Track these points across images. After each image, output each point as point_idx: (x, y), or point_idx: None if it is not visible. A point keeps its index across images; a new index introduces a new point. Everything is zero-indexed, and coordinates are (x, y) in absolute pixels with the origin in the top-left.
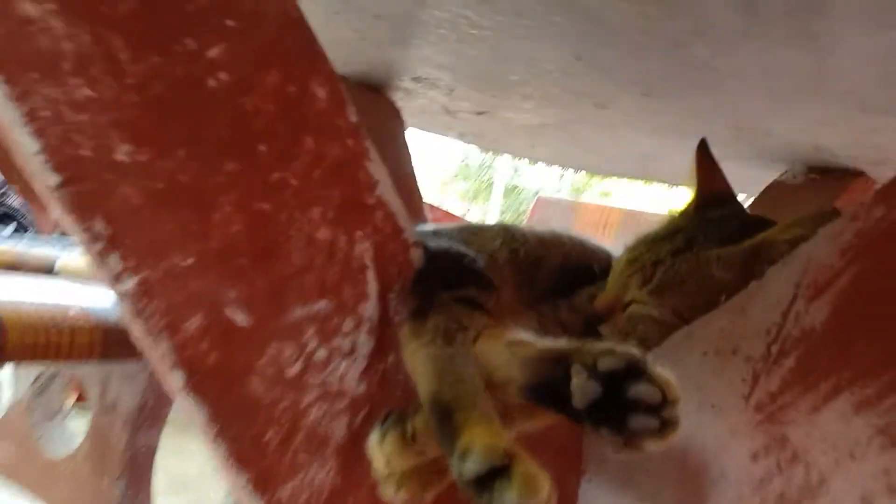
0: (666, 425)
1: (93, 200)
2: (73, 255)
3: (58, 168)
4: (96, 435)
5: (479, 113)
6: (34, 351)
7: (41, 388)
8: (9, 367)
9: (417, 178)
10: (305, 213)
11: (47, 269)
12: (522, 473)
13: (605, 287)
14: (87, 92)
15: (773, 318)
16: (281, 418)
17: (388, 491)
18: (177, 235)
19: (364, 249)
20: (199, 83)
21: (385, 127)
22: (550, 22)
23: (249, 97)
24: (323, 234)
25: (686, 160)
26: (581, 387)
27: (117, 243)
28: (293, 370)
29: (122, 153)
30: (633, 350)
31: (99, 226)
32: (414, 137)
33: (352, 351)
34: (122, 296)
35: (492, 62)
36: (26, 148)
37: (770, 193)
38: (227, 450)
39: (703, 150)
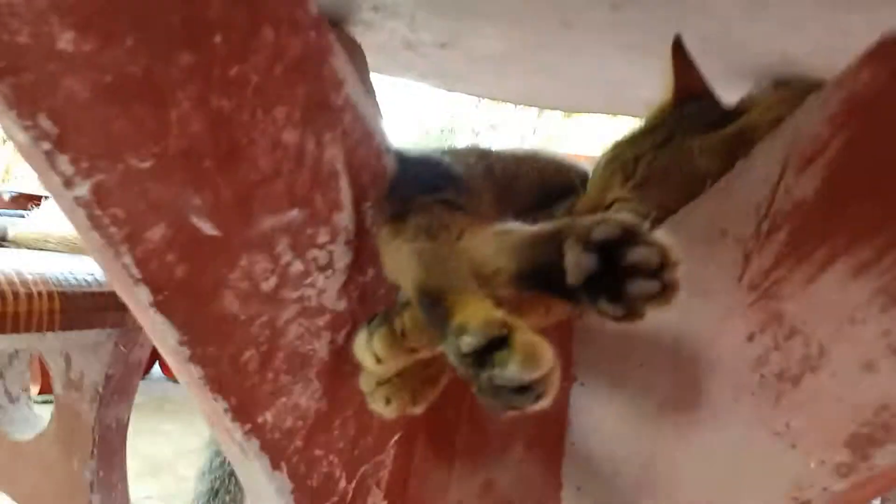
0: (667, 288)
1: (35, 94)
2: (26, 225)
3: None
4: (63, 413)
5: (442, 45)
6: None
7: (2, 370)
8: None
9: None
10: (269, 113)
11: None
12: (522, 343)
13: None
14: None
15: (761, 194)
16: (259, 336)
17: (377, 403)
18: (132, 134)
19: (334, 154)
20: None
21: None
22: None
23: None
24: (289, 136)
25: (655, 88)
26: (576, 261)
27: (66, 143)
28: (268, 284)
29: (64, 41)
30: (628, 216)
31: (45, 123)
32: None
33: (329, 264)
34: (76, 204)
35: None
36: None
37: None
38: (203, 374)
39: (678, 48)
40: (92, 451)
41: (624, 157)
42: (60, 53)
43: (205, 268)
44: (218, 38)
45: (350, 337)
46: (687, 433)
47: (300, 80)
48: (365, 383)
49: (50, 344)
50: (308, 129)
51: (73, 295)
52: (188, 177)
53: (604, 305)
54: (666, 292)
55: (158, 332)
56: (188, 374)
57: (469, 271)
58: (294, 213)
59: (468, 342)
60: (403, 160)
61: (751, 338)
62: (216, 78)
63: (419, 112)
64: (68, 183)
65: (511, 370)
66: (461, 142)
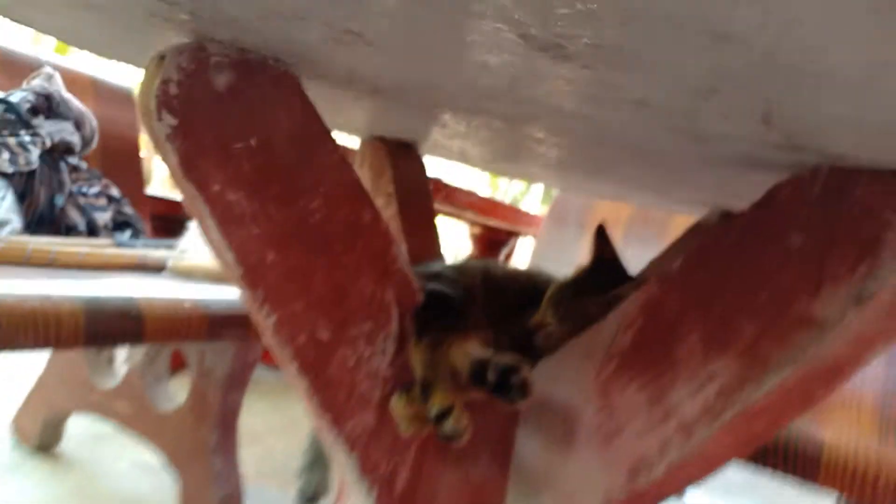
0: (525, 394)
1: (256, 281)
2: (177, 257)
3: (240, 263)
4: (196, 394)
5: (487, 162)
6: (163, 335)
7: (151, 358)
8: None
9: (436, 221)
10: (360, 279)
11: (160, 268)
12: (455, 416)
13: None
14: (255, 230)
15: (609, 337)
16: (345, 386)
17: (402, 427)
18: (294, 293)
19: (390, 295)
20: (306, 221)
21: (414, 177)
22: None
23: (331, 224)
24: (369, 288)
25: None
26: (491, 374)
27: (267, 299)
28: (351, 362)
29: (269, 258)
30: (517, 359)
31: (259, 294)
32: None
33: (384, 351)
34: (266, 326)
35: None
36: (225, 258)
37: (690, 235)
38: (318, 403)
39: (601, 232)
40: (216, 424)
41: (557, 296)
42: (267, 262)
43: (322, 355)
44: (338, 247)
45: (392, 388)
46: (567, 453)
47: (376, 260)
48: (394, 416)
49: (191, 344)
50: (378, 284)
51: (215, 315)
52: (319, 312)
53: (499, 398)
54: (524, 396)
55: (298, 384)
56: (309, 403)
57: (448, 369)
58: (367, 325)
59: (434, 412)
60: (426, 293)
61: (597, 412)
62: (335, 265)
63: None
64: (265, 317)
65: (448, 428)
66: None
